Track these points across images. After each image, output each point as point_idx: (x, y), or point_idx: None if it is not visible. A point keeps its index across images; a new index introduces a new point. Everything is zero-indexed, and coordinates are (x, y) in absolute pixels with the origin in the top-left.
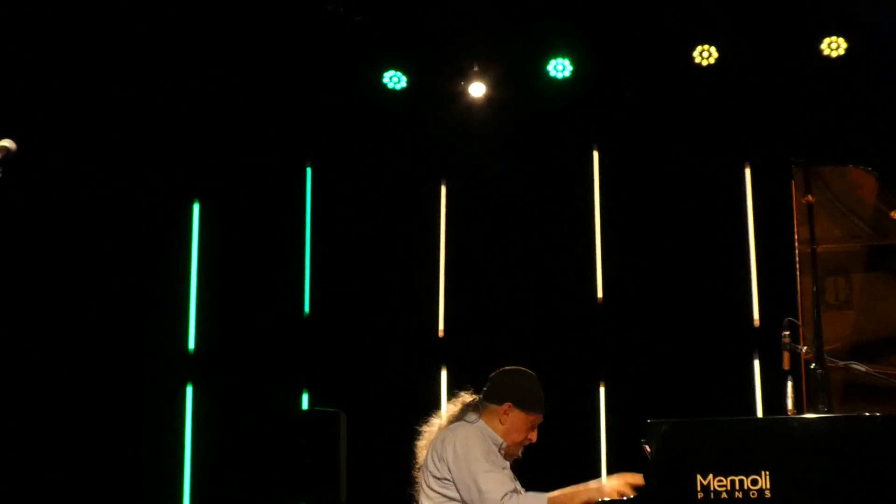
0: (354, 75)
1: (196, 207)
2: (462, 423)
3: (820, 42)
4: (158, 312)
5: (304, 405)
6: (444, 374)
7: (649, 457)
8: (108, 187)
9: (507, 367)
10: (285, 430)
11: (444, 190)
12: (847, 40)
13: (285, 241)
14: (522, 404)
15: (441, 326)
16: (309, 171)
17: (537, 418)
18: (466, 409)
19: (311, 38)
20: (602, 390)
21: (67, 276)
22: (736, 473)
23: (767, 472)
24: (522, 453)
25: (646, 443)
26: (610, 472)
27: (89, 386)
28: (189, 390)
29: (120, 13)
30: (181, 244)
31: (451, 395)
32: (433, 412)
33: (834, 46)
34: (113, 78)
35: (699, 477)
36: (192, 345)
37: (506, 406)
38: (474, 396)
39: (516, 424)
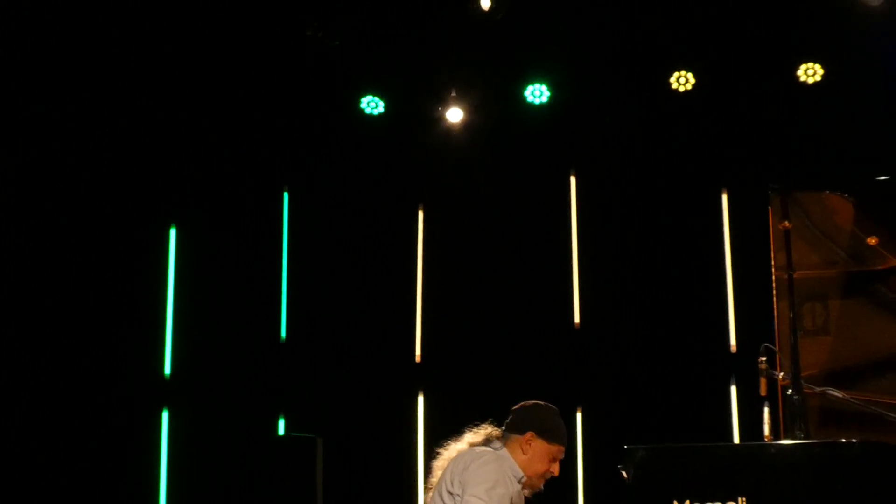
0: (332, 100)
1: (173, 231)
2: (487, 449)
3: (797, 68)
4: (134, 336)
5: (281, 430)
6: (421, 399)
7: (626, 483)
8: (85, 210)
9: (529, 401)
10: (262, 456)
11: (421, 215)
12: (824, 66)
13: (262, 265)
14: (544, 434)
15: (418, 352)
16: (286, 195)
17: (559, 450)
18: (489, 439)
19: (290, 63)
20: (579, 416)
21: (43, 300)
22: (713, 499)
23: (744, 499)
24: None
25: (622, 469)
26: (587, 498)
27: (64, 410)
28: (165, 415)
29: (102, 34)
30: (157, 268)
31: (430, 423)
32: (410, 438)
33: (811, 73)
34: (89, 100)
35: (676, 503)
36: (167, 369)
37: (528, 435)
38: (496, 429)
39: (538, 454)
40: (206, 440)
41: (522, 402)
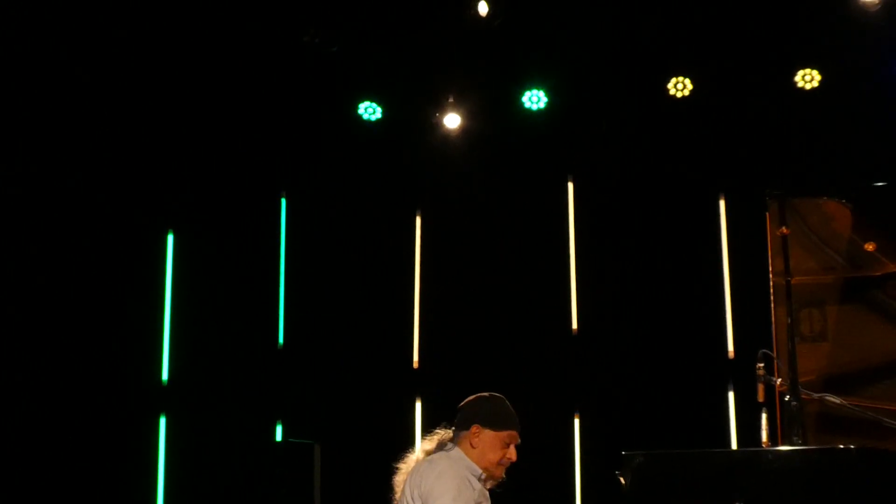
0: (330, 106)
1: (170, 238)
2: (440, 454)
3: (794, 74)
4: (132, 343)
5: (279, 436)
6: (418, 405)
7: (624, 489)
8: (83, 216)
9: (473, 395)
10: (259, 462)
11: (419, 220)
12: (821, 73)
13: (260, 271)
14: (489, 423)
15: (416, 357)
16: (284, 201)
17: (510, 435)
18: (443, 442)
19: (288, 69)
20: (577, 421)
21: (40, 305)
22: None
23: None
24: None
25: (620, 474)
26: (584, 503)
27: (61, 416)
28: (162, 421)
29: (101, 40)
30: (155, 274)
31: (427, 429)
32: (408, 444)
33: (808, 79)
34: (87, 106)
35: None
36: (165, 376)
37: (474, 428)
38: (447, 431)
39: (488, 444)
40: (204, 446)
41: (467, 398)
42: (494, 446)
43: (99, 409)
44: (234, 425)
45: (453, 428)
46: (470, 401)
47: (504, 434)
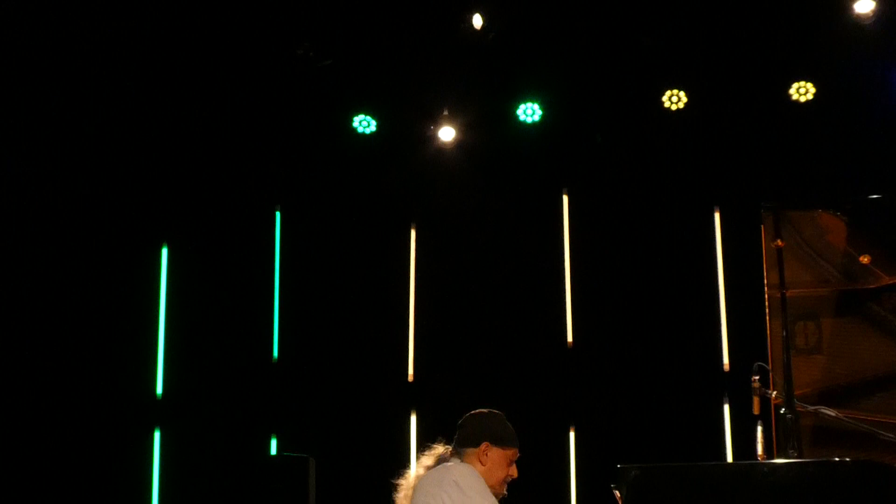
0: (324, 119)
1: (164, 251)
2: (454, 462)
3: (789, 87)
4: (126, 357)
5: (273, 450)
6: (413, 418)
7: (619, 502)
8: (77, 229)
9: (472, 412)
10: (254, 476)
11: (413, 234)
12: (816, 85)
13: (254, 285)
14: (498, 441)
15: (411, 371)
16: (278, 215)
17: (514, 453)
18: (442, 459)
19: (281, 82)
20: (572, 435)
21: (34, 319)
22: None
23: None
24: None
25: (616, 488)
26: None
27: (56, 430)
28: (157, 435)
29: (96, 53)
30: (149, 288)
31: (422, 443)
32: (403, 458)
33: (803, 91)
34: (81, 120)
35: None
36: (159, 389)
37: (483, 446)
38: (446, 447)
39: (496, 462)
40: (199, 460)
41: (467, 414)
42: (501, 464)
43: (93, 423)
44: (229, 439)
45: (454, 444)
46: (475, 417)
47: (510, 452)
